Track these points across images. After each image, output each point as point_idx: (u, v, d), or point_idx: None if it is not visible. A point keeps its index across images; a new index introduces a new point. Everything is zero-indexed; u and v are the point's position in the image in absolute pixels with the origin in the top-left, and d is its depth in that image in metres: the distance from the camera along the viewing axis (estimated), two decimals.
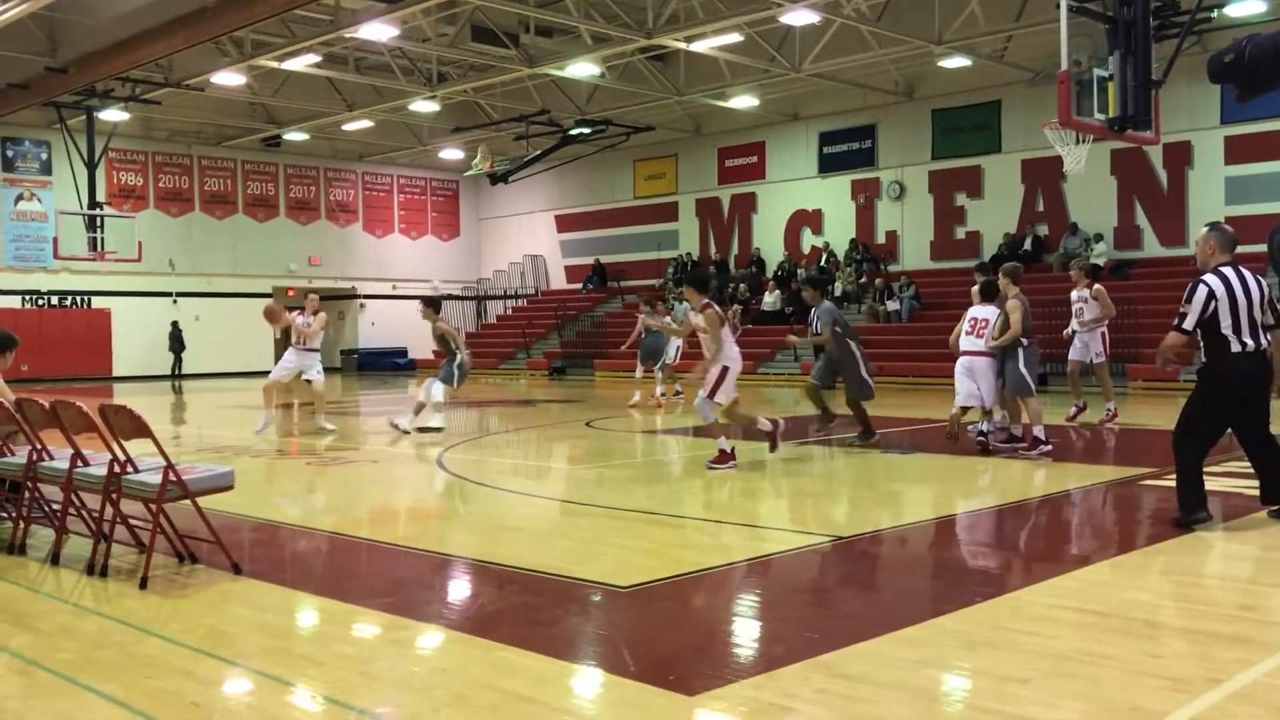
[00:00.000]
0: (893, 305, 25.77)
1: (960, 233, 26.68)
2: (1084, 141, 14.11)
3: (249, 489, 8.95)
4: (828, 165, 29.23)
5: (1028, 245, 25.33)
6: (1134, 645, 4.45)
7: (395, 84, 26.01)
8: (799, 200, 29.89)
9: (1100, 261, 22.37)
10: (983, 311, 10.55)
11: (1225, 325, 6.63)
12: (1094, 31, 13.10)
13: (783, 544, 6.83)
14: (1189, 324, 6.70)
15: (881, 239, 28.21)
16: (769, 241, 30.52)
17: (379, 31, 21.06)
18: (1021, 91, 24.49)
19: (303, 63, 23.61)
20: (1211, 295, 6.66)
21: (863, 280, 27.20)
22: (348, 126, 30.32)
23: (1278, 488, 6.93)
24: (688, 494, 9.24)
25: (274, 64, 23.60)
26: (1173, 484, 6.83)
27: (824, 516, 8.17)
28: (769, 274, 29.67)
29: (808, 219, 29.75)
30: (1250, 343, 6.66)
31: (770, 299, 28.21)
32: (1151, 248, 23.79)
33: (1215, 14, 19.21)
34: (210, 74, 24.02)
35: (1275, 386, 6.89)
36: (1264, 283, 6.82)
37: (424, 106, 27.96)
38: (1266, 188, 22.13)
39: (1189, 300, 6.70)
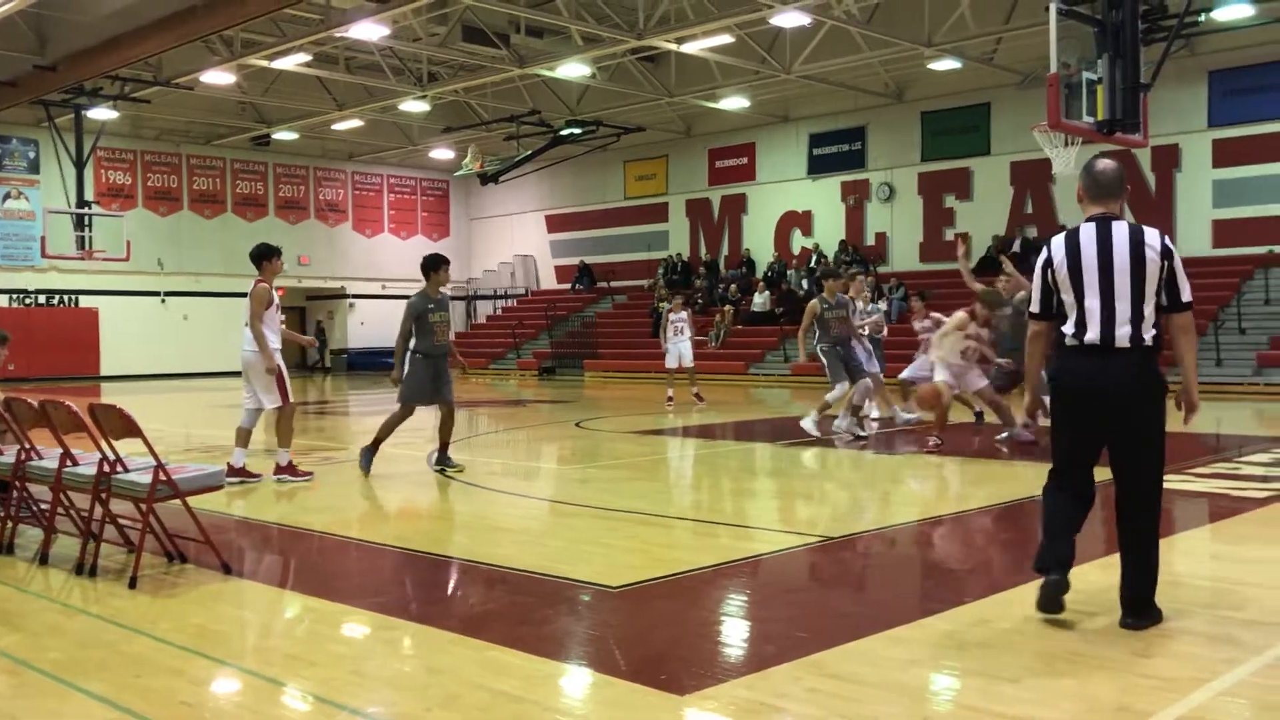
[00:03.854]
0: (882, 306, 25.78)
1: (949, 234, 26.75)
2: (1073, 144, 14.17)
3: (239, 489, 8.94)
4: (817, 167, 29.29)
5: (1016, 247, 25.38)
6: (1123, 645, 4.47)
7: (386, 83, 25.98)
8: (789, 201, 29.94)
9: None
10: None
11: (1067, 303, 4.71)
12: (1083, 34, 13.18)
13: (772, 544, 6.84)
14: (1034, 303, 4.88)
15: (871, 240, 28.27)
16: (759, 243, 30.56)
17: (369, 31, 21.04)
18: (1011, 94, 24.59)
19: (293, 62, 23.56)
20: (1047, 262, 4.77)
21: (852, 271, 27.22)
22: (338, 126, 30.27)
23: (1127, 578, 4.74)
24: (677, 494, 9.25)
25: (264, 63, 23.54)
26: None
27: (813, 516, 8.19)
28: (759, 275, 29.71)
29: (797, 220, 29.81)
30: (1096, 332, 4.58)
31: (760, 300, 28.25)
32: None
33: (1203, 18, 19.31)
34: (200, 73, 23.95)
35: (1180, 402, 4.80)
36: (1158, 244, 4.59)
37: (414, 106, 27.92)
38: (1254, 190, 22.25)
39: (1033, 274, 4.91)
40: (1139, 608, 4.70)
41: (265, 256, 9.40)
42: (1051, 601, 4.70)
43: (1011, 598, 5.29)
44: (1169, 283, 4.60)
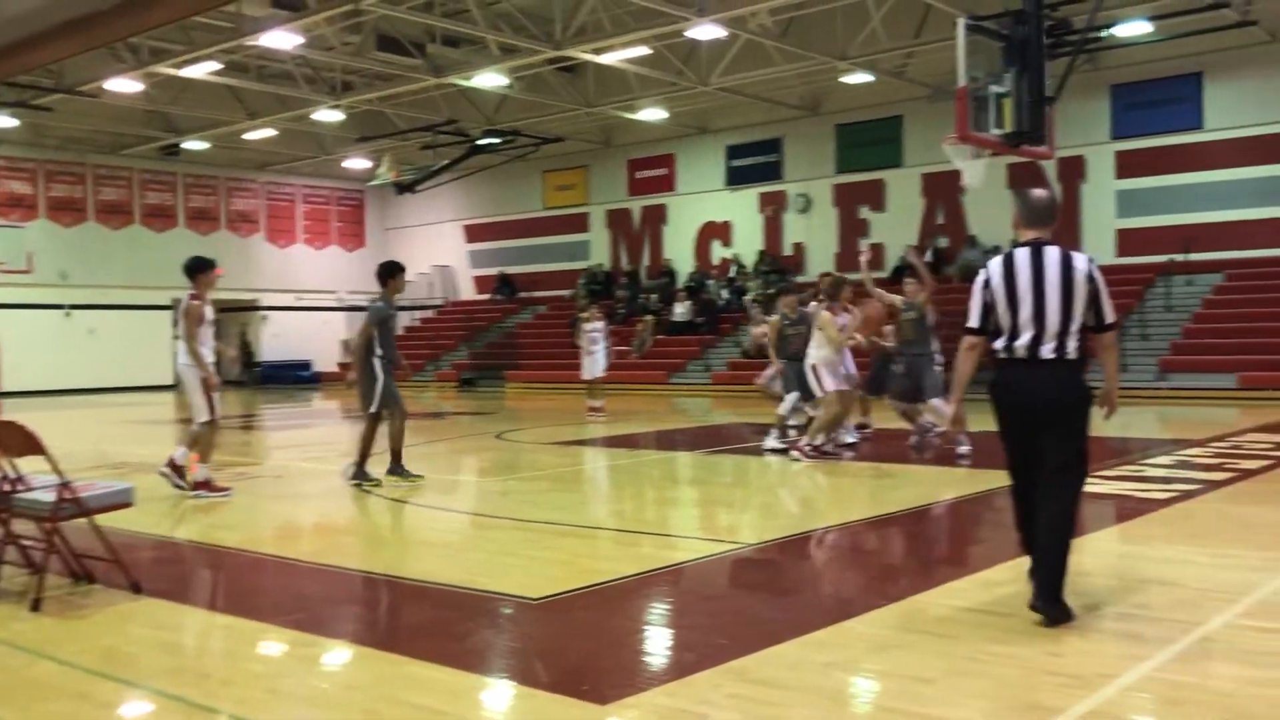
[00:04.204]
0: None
1: (864, 245, 27.15)
2: (981, 156, 14.48)
3: (149, 506, 8.71)
4: (736, 178, 29.55)
5: (929, 257, 25.89)
6: (1033, 644, 4.58)
7: (299, 92, 25.61)
8: (708, 212, 30.16)
9: None
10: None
11: (1002, 320, 5.05)
12: (990, 49, 13.48)
13: (694, 552, 6.88)
14: (971, 319, 5.17)
15: (789, 250, 28.59)
16: (680, 253, 30.72)
17: (281, 40, 20.72)
18: (921, 107, 25.06)
19: (202, 70, 23.12)
20: (986, 283, 5.12)
21: (771, 291, 27.50)
22: (249, 135, 29.74)
23: (1038, 563, 4.99)
24: (599, 504, 9.25)
25: (172, 71, 23.04)
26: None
27: (734, 524, 8.24)
28: (680, 285, 29.86)
29: (717, 230, 30.03)
30: (1025, 346, 4.96)
31: (681, 309, 28.39)
32: None
33: (1105, 33, 19.90)
34: (105, 80, 23.35)
35: (1103, 405, 5.21)
36: (1084, 270, 4.97)
37: (328, 115, 27.57)
38: (1155, 201, 22.99)
39: (972, 292, 5.22)
40: (1047, 595, 4.88)
41: (199, 269, 9.22)
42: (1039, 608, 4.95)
43: (926, 600, 5.39)
44: (1093, 304, 4.99)
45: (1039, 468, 5.04)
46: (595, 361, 17.94)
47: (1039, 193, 5.26)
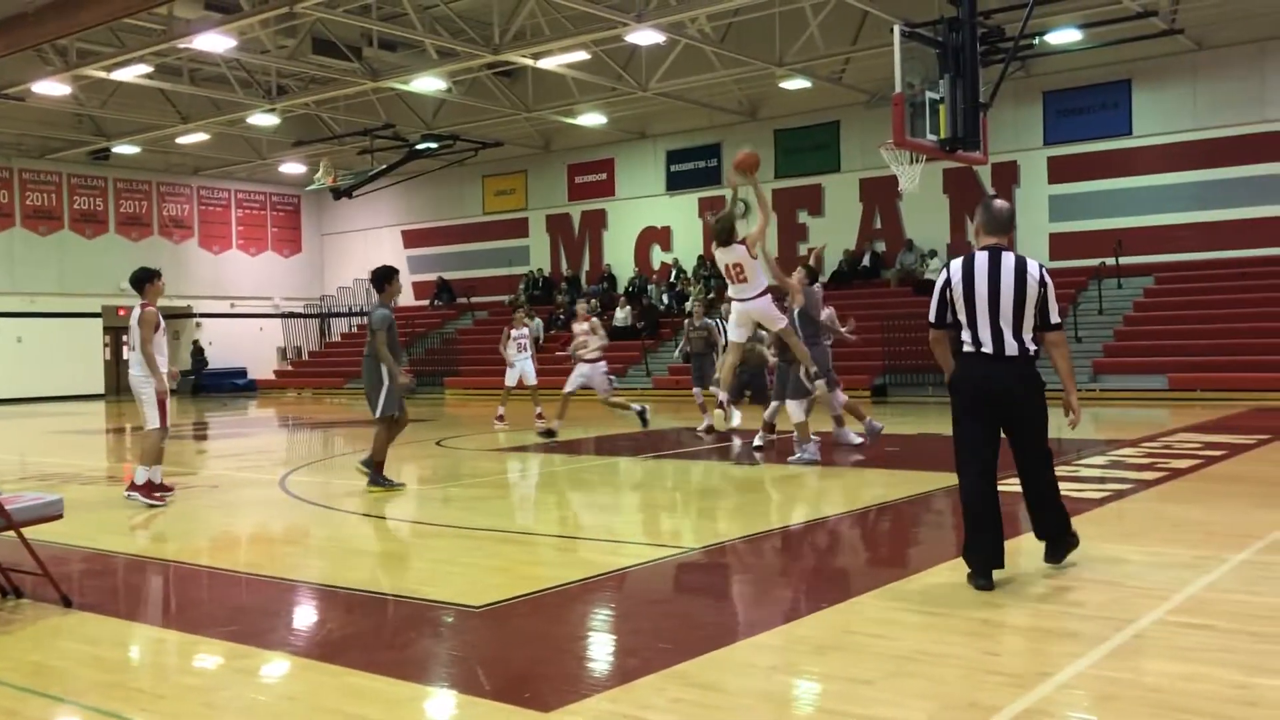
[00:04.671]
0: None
1: (803, 249, 27.36)
2: (917, 161, 14.69)
3: (80, 518, 8.51)
4: (675, 183, 29.65)
5: (866, 261, 26.20)
6: (973, 644, 4.64)
7: (233, 96, 25.25)
8: (648, 217, 30.22)
9: (934, 277, 23.27)
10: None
11: (962, 317, 5.57)
12: (926, 56, 13.68)
13: (636, 557, 6.87)
14: (931, 314, 5.71)
15: None
16: (620, 258, 30.75)
17: (214, 42, 20.40)
18: (859, 113, 25.36)
19: (133, 73, 22.69)
20: (946, 283, 5.62)
21: (711, 296, 27.60)
22: (182, 140, 29.26)
23: (1043, 523, 5.90)
24: (541, 511, 9.21)
25: (102, 74, 22.59)
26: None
27: (676, 529, 8.25)
28: (621, 290, 29.88)
29: (657, 236, 30.10)
30: (988, 342, 5.49)
31: (621, 315, 28.41)
32: None
33: (1037, 41, 20.27)
34: (31, 83, 22.85)
35: (1067, 413, 5.80)
36: (1037, 275, 5.60)
37: (263, 119, 27.21)
38: (1087, 205, 23.46)
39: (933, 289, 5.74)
40: (1058, 545, 5.88)
41: (146, 280, 9.42)
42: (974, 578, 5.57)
43: (866, 602, 5.43)
44: (1041, 306, 5.59)
45: (994, 454, 5.63)
46: (525, 369, 17.20)
47: (1000, 203, 5.88)
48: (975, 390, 5.59)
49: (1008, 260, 5.58)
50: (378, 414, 9.82)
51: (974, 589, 5.47)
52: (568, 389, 14.75)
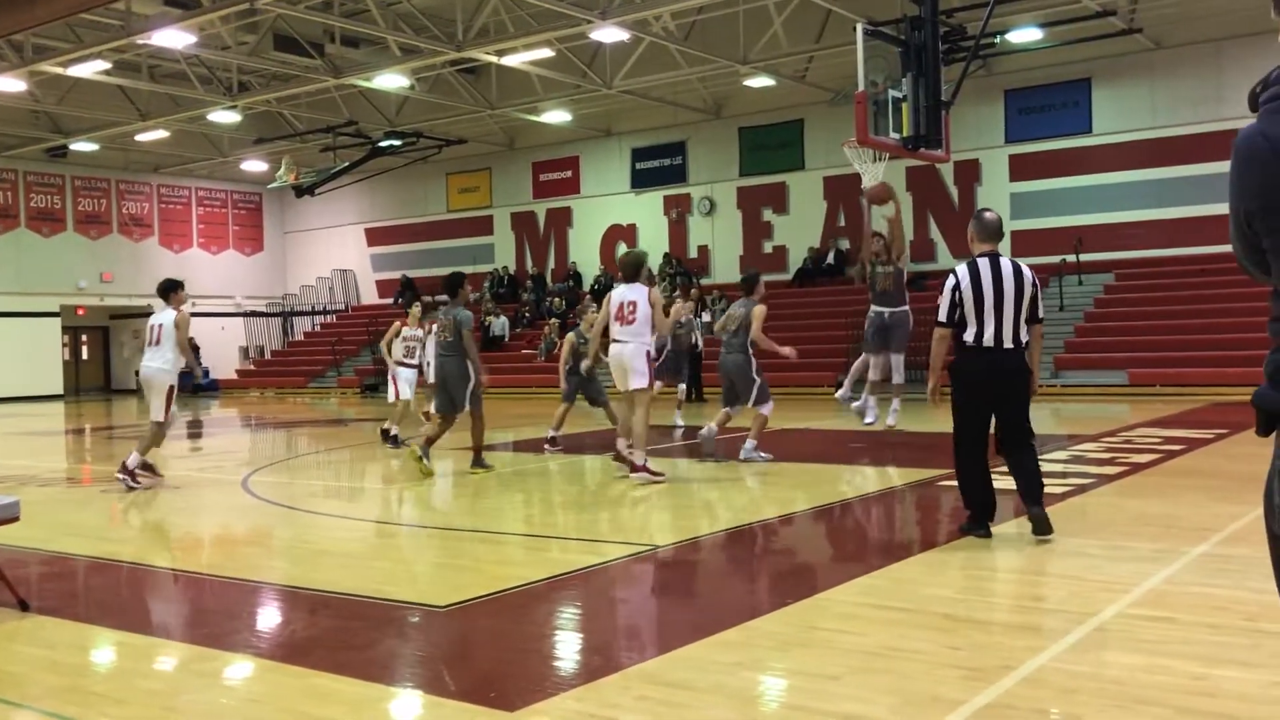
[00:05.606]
0: (706, 318, 26.31)
1: (768, 247, 27.48)
2: (881, 159, 14.75)
3: (37, 520, 8.39)
4: (640, 181, 29.65)
5: (830, 259, 26.32)
6: (936, 639, 4.67)
7: (193, 93, 24.98)
8: (614, 215, 30.20)
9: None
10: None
11: (969, 316, 6.40)
12: (888, 54, 13.75)
13: (601, 555, 6.86)
14: (941, 314, 6.53)
15: (694, 253, 28.77)
16: (585, 256, 30.71)
17: (174, 39, 20.18)
18: (822, 111, 25.47)
19: (91, 69, 22.41)
20: (956, 285, 6.47)
21: (676, 293, 27.66)
22: (141, 137, 28.93)
23: (1034, 493, 6.59)
24: (507, 510, 9.18)
25: (59, 70, 22.30)
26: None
27: (641, 526, 8.25)
28: (586, 288, 29.84)
29: (622, 233, 30.08)
30: (991, 336, 6.36)
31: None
32: (945, 260, 25.03)
33: (998, 39, 20.45)
34: None
35: (1033, 387, 6.56)
36: (1029, 277, 6.50)
37: (224, 117, 26.96)
38: (1047, 203, 23.68)
39: (943, 291, 6.57)
40: (1042, 515, 6.51)
41: (172, 290, 10.53)
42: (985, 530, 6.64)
43: (832, 597, 5.46)
44: (1033, 302, 6.51)
45: (986, 434, 6.54)
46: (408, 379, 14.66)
47: (991, 215, 6.74)
48: (980, 377, 6.44)
49: (1006, 265, 6.46)
50: (465, 407, 10.59)
51: (979, 538, 6.57)
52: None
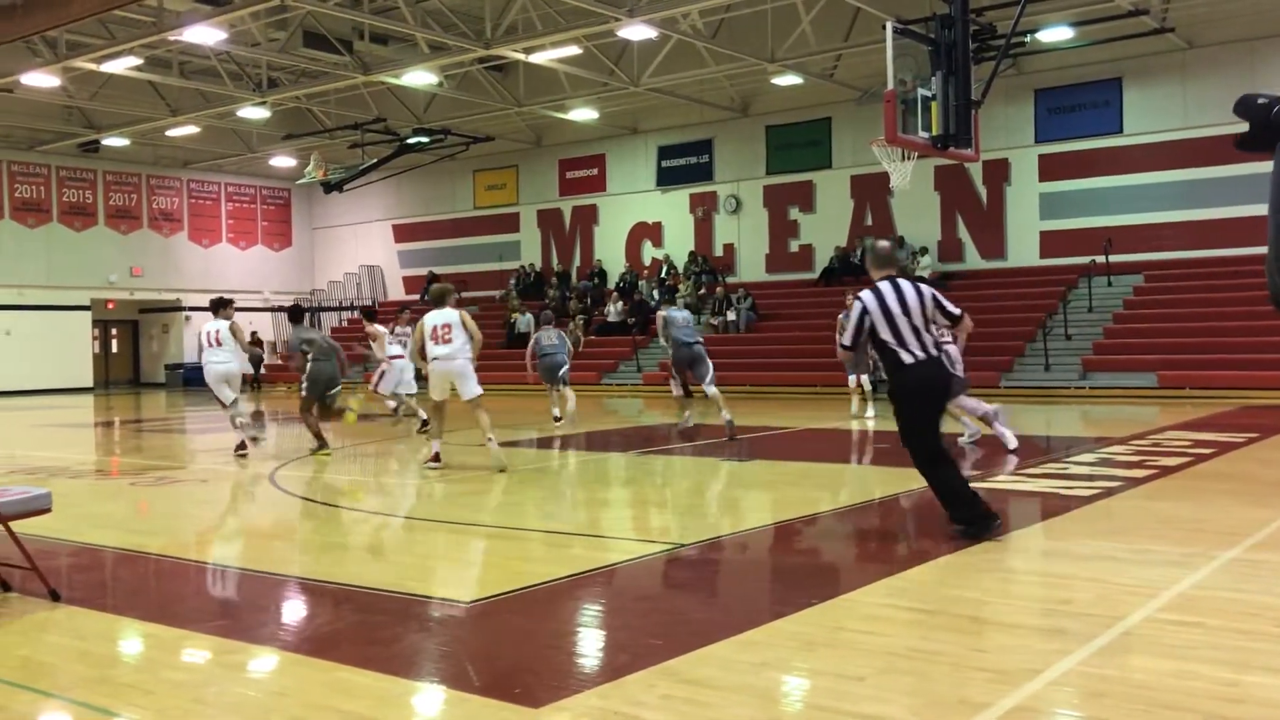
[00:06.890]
0: (730, 316, 26.28)
1: (794, 245, 27.40)
2: (909, 158, 14.70)
3: (67, 511, 8.48)
4: (666, 178, 29.62)
5: (856, 258, 26.20)
6: (961, 641, 4.64)
7: (223, 89, 25.15)
8: (639, 213, 30.19)
9: (926, 273, 23.31)
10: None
11: (886, 337, 6.75)
12: (918, 53, 13.69)
13: (625, 553, 6.87)
14: (846, 339, 7.04)
15: (719, 251, 28.73)
16: (610, 253, 30.71)
17: (205, 35, 20.33)
18: (850, 109, 25.35)
19: (123, 65, 22.59)
20: (865, 311, 6.83)
21: (702, 292, 27.64)
22: (172, 132, 29.17)
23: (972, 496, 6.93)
24: (530, 506, 9.20)
25: (92, 66, 22.50)
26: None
27: (665, 525, 8.25)
28: (611, 285, 29.86)
29: (648, 231, 30.07)
30: (919, 352, 6.74)
31: (613, 310, 28.40)
32: (973, 260, 24.93)
33: (1029, 38, 20.30)
34: (20, 74, 22.74)
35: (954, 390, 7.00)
36: (928, 292, 6.91)
37: (253, 113, 27.12)
38: (1077, 203, 23.49)
39: (848, 317, 7.02)
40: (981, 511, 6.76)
41: (224, 305, 12.90)
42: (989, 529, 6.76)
43: (856, 598, 5.44)
44: (940, 309, 6.92)
45: (940, 441, 6.90)
46: (399, 373, 15.52)
47: (882, 244, 7.37)
48: (926, 389, 6.82)
49: (905, 285, 6.91)
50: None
51: (992, 532, 6.68)
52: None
